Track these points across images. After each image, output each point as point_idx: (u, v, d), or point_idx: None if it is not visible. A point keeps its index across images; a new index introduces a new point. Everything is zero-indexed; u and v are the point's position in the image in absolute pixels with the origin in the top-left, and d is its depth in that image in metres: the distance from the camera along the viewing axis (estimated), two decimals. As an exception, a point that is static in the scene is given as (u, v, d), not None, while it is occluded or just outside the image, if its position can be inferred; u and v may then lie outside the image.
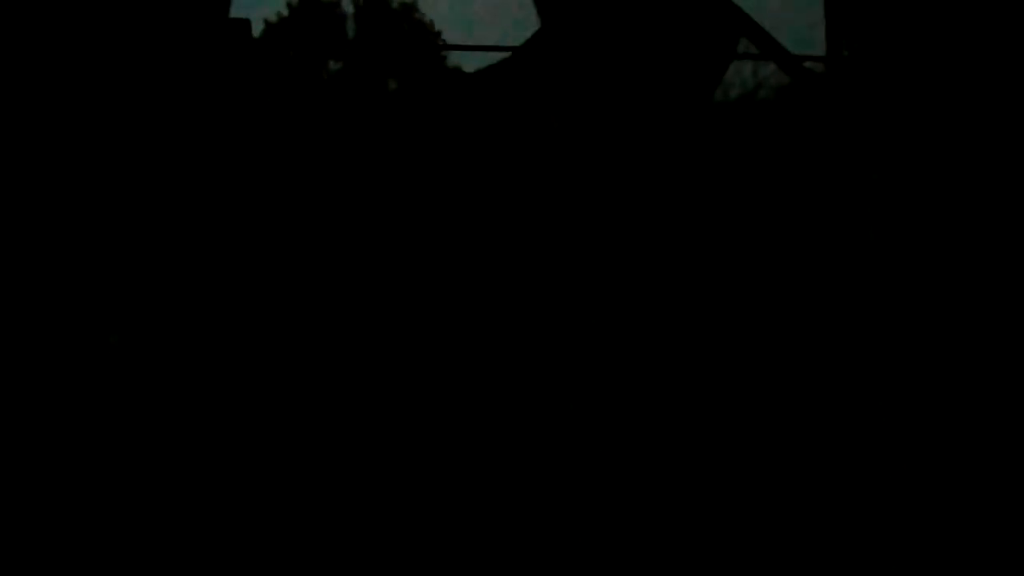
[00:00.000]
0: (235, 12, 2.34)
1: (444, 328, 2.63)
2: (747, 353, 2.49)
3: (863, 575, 1.57)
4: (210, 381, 2.24)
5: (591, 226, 2.48)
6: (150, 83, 2.22)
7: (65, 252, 2.17)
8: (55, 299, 2.15)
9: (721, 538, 1.74)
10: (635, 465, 2.11)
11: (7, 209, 2.13)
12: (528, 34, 2.79)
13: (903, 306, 2.81)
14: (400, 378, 2.49)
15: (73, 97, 2.17)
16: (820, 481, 2.00)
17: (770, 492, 1.95)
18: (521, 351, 2.57)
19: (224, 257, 2.34)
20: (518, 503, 1.90)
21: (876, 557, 1.63)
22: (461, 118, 2.69)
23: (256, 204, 2.42)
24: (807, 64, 3.12)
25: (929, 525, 1.73)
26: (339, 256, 2.64)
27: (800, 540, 1.71)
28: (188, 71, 2.25)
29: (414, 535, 1.78)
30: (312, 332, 2.47)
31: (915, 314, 2.78)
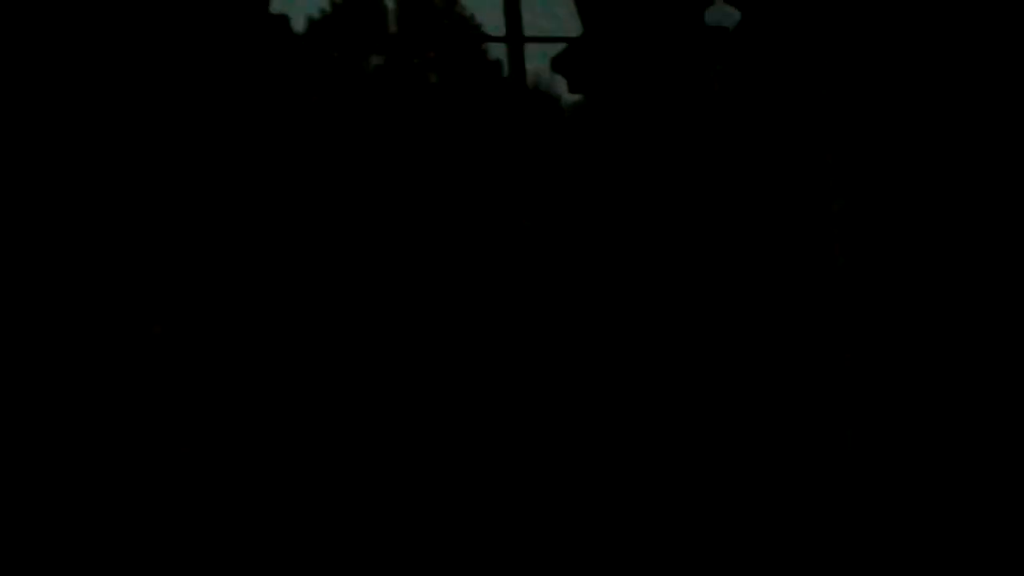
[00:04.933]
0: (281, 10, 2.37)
1: (468, 317, 2.63)
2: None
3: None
4: (243, 368, 2.27)
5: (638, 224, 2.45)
6: (189, 76, 2.25)
7: (114, 250, 2.22)
8: (107, 294, 2.21)
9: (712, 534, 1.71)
10: (628, 462, 2.09)
11: (55, 211, 2.19)
12: (564, 23, 2.76)
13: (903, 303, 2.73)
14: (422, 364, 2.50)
15: (115, 94, 2.21)
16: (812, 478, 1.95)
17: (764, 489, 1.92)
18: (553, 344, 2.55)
19: (264, 249, 2.36)
20: (516, 500, 1.89)
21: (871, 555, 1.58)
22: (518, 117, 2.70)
23: (297, 197, 2.45)
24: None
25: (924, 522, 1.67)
26: (379, 246, 2.65)
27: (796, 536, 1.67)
28: (226, 63, 2.28)
29: (412, 531, 1.78)
30: (345, 317, 2.49)
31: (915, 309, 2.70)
